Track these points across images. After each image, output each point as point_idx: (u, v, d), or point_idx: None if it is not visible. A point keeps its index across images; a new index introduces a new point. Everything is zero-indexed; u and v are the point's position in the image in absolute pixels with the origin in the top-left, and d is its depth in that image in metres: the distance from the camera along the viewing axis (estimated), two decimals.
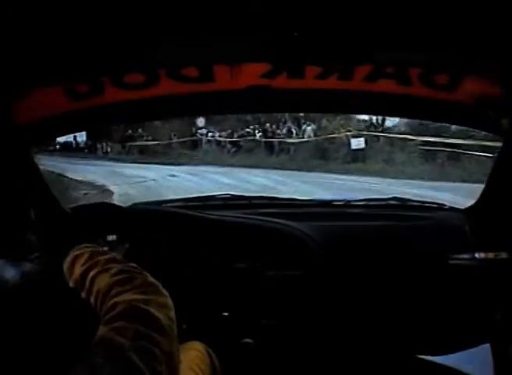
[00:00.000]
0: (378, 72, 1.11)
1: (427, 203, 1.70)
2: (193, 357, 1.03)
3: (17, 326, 0.92)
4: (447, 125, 7.91)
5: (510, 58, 0.92)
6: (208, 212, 1.44)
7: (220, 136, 14.82)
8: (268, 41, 0.92)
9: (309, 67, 1.11)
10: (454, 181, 8.14)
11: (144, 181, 9.09)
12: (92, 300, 0.75)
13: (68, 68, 1.03)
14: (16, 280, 0.95)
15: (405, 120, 10.92)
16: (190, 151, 14.52)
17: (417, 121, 9.53)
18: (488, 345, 1.37)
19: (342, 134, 11.86)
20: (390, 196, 1.72)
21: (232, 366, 1.25)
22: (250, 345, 1.30)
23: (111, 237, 1.23)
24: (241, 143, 14.04)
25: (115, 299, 0.66)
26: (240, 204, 1.67)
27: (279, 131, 13.81)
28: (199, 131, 14.88)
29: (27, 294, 0.97)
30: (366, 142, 11.10)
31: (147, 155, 14.89)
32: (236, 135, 14.46)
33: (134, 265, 0.76)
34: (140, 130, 15.77)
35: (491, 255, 1.30)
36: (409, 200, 1.74)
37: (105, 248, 1.19)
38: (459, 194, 5.08)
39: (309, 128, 13.24)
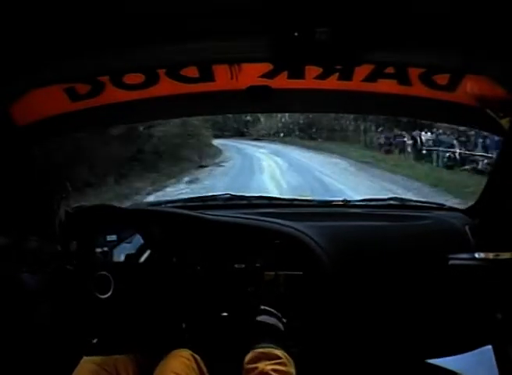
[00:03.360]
0: (378, 72, 1.11)
1: (427, 203, 1.70)
2: (178, 364, 1.06)
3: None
4: None
5: (511, 58, 0.92)
6: (207, 212, 1.44)
7: None
8: (268, 41, 0.92)
9: (309, 67, 1.11)
10: None
11: None
12: None
13: (68, 68, 1.03)
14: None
15: None
16: None
17: None
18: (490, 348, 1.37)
19: None
20: (390, 196, 1.72)
21: (231, 365, 1.25)
22: None
23: (111, 238, 1.23)
24: None
25: None
26: (239, 204, 1.67)
27: None
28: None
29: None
30: None
31: None
32: None
33: None
34: None
35: (491, 255, 1.30)
36: (409, 200, 1.74)
37: (105, 249, 1.20)
38: None
39: None
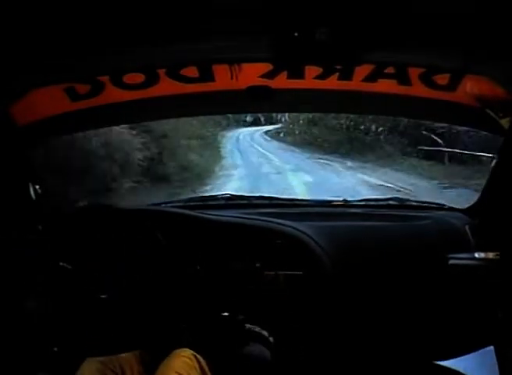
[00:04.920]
0: (378, 72, 1.11)
1: (427, 203, 1.70)
2: (180, 363, 1.06)
3: None
4: None
5: (511, 58, 0.92)
6: (207, 212, 1.44)
7: None
8: (268, 41, 0.92)
9: (309, 67, 1.11)
10: None
11: None
12: None
13: (68, 68, 1.03)
14: None
15: None
16: None
17: None
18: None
19: None
20: (390, 196, 1.72)
21: (231, 366, 1.25)
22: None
23: (111, 238, 1.23)
24: None
25: None
26: (240, 204, 1.67)
27: None
28: None
29: None
30: None
31: None
32: None
33: None
34: None
35: (491, 255, 1.30)
36: (409, 200, 1.74)
37: (105, 249, 1.20)
38: None
39: None
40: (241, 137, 18.00)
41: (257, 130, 19.57)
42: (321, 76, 1.14)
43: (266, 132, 19.37)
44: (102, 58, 1.01)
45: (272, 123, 19.81)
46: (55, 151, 4.69)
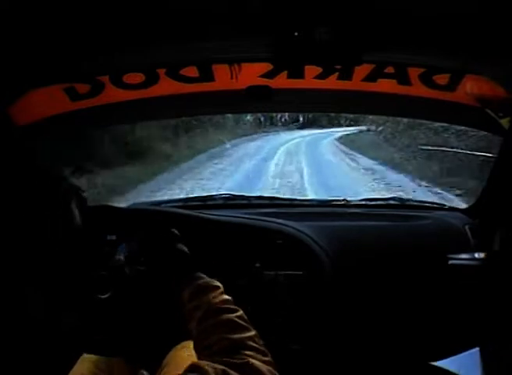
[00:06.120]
0: (378, 72, 1.11)
1: (427, 203, 1.70)
2: (185, 356, 1.05)
3: None
4: None
5: (511, 58, 0.92)
6: (207, 212, 1.44)
7: None
8: (268, 41, 0.92)
9: (309, 67, 1.11)
10: None
11: None
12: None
13: (68, 68, 1.03)
14: None
15: None
16: None
17: None
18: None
19: None
20: (390, 196, 1.72)
21: None
22: None
23: (111, 237, 1.23)
24: None
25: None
26: (239, 204, 1.67)
27: None
28: None
29: None
30: None
31: None
32: None
33: None
34: None
35: (491, 255, 1.30)
36: (409, 200, 1.75)
37: (105, 249, 1.20)
38: None
39: None
40: (278, 159, 9.25)
41: (324, 136, 10.06)
42: (321, 76, 1.14)
43: (340, 139, 9.77)
44: (102, 58, 1.01)
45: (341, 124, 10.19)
46: None
